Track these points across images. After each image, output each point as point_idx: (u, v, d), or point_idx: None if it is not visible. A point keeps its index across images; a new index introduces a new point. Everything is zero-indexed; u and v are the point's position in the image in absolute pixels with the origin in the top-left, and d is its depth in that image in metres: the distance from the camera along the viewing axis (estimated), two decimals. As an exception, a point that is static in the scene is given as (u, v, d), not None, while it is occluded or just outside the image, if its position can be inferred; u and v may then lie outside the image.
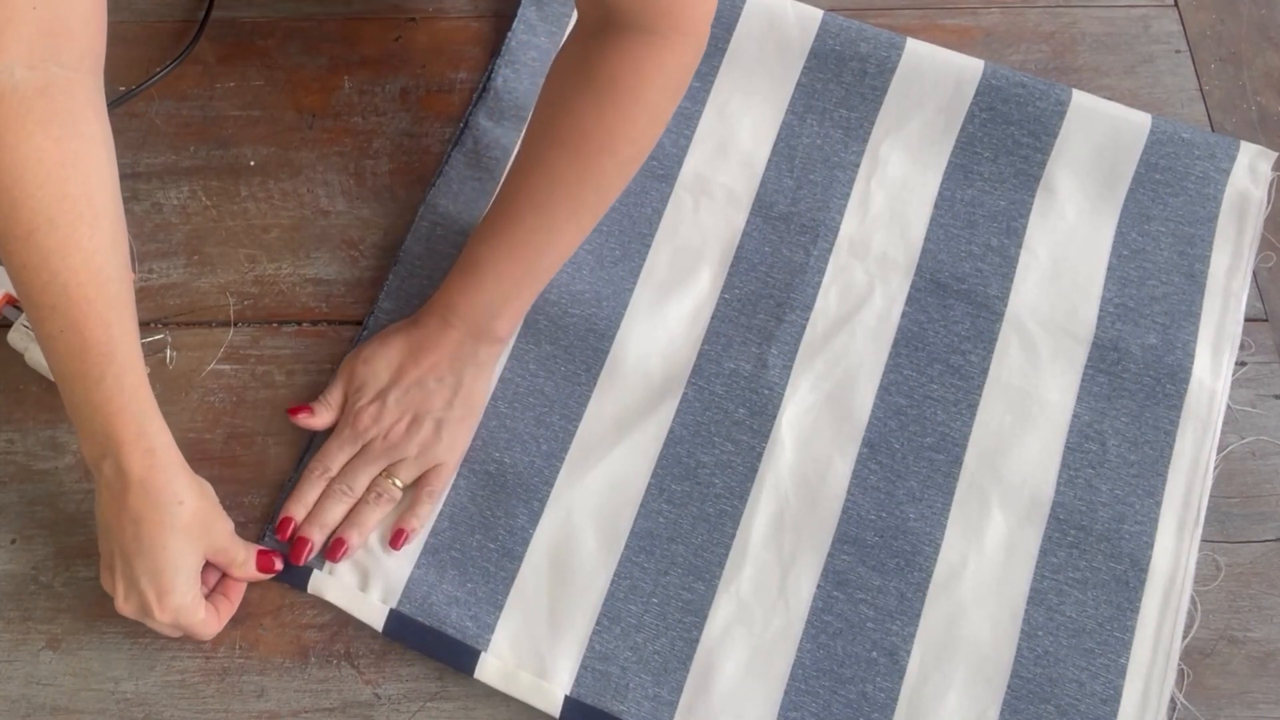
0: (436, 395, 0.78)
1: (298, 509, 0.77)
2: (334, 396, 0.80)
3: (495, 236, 0.78)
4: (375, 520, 0.78)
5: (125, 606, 0.70)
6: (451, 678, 0.74)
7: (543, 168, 0.76)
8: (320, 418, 0.80)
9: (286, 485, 0.79)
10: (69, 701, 0.73)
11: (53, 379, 0.79)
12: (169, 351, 0.83)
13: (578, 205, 0.77)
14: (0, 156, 0.63)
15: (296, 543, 0.76)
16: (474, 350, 0.79)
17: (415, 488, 0.79)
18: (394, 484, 0.78)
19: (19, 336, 0.80)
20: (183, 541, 0.69)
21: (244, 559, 0.74)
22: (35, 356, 0.79)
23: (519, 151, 0.78)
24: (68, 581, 0.76)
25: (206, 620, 0.72)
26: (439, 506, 0.79)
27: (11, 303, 0.80)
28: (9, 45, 0.63)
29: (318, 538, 0.77)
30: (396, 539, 0.77)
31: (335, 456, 0.78)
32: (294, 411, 0.80)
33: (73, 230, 0.65)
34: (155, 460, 0.68)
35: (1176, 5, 0.99)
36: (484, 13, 0.97)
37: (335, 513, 0.77)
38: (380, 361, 0.79)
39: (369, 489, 0.78)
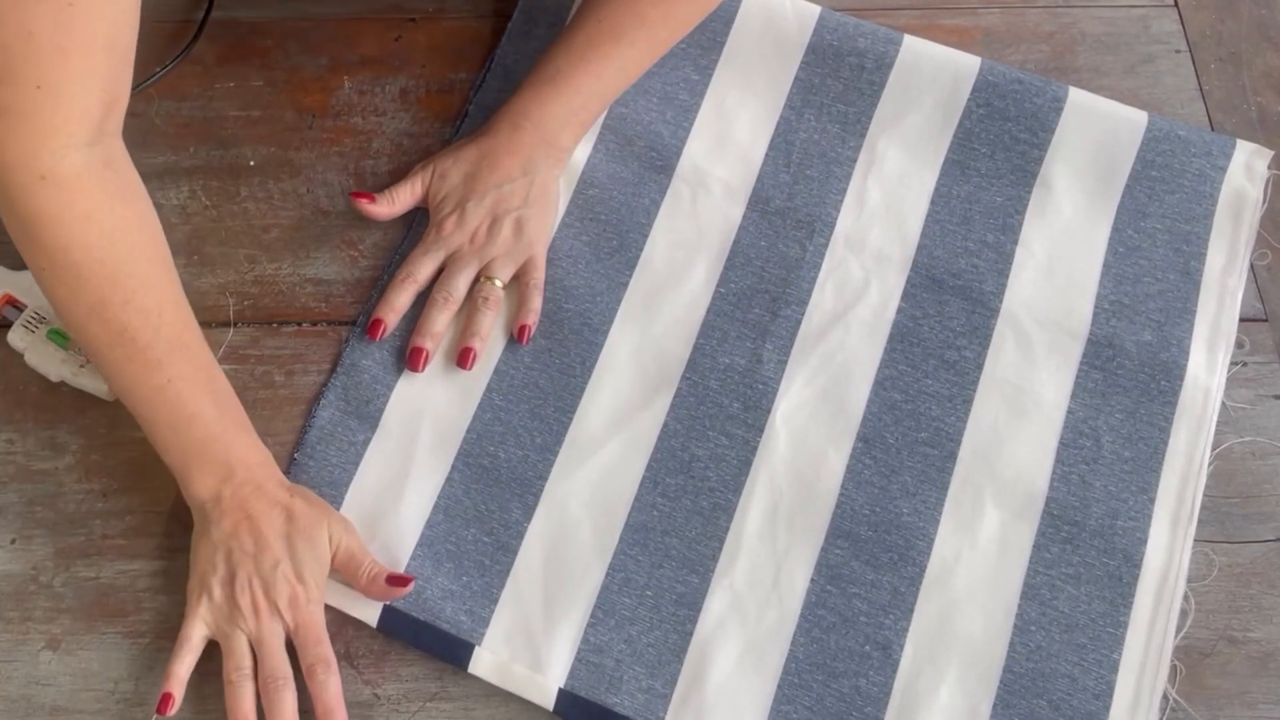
0: (513, 195, 0.82)
1: (388, 313, 0.82)
2: (400, 194, 0.84)
3: (573, 56, 0.84)
4: (490, 323, 0.82)
5: (263, 605, 0.70)
6: (451, 678, 0.74)
7: (626, 5, 0.83)
8: (380, 207, 0.83)
9: (371, 296, 0.84)
10: (69, 701, 0.73)
11: (54, 380, 0.80)
12: (169, 351, 0.83)
13: (653, 41, 0.84)
14: (89, 231, 0.66)
15: (412, 353, 0.81)
16: (544, 154, 0.83)
17: (518, 286, 0.83)
18: (495, 284, 0.82)
19: (19, 336, 0.80)
20: (323, 536, 0.72)
21: (369, 566, 0.74)
22: (35, 357, 0.79)
23: None
24: (67, 581, 0.76)
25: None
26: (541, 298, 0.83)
27: (11, 302, 0.81)
28: (79, 120, 0.65)
29: (429, 346, 0.81)
30: (522, 334, 0.82)
31: (420, 263, 0.82)
32: (357, 195, 0.83)
33: (162, 285, 0.70)
34: (277, 472, 0.74)
35: (1176, 5, 0.99)
36: (484, 13, 0.97)
37: (440, 321, 0.81)
38: (455, 173, 0.83)
39: (475, 294, 0.82)
